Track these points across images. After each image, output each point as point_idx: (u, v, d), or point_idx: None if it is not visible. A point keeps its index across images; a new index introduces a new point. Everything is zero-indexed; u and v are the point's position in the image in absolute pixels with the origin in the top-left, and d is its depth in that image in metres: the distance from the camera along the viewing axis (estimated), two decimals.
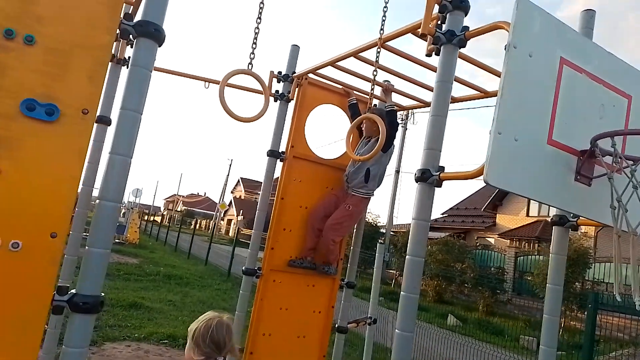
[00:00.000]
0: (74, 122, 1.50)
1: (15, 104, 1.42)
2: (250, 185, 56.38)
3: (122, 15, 1.62)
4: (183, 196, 75.55)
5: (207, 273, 14.86)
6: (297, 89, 3.77)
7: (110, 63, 3.31)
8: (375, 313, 4.46)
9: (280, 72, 3.74)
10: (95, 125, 3.24)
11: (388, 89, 3.68)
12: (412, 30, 2.43)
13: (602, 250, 17.94)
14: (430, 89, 3.32)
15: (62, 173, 1.48)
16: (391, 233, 21.15)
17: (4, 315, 1.39)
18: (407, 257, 1.95)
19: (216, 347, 2.04)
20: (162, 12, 1.68)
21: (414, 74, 3.39)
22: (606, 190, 1.80)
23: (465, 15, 2.10)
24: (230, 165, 49.19)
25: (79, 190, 3.18)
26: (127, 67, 1.94)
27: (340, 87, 3.89)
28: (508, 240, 22.81)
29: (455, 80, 2.21)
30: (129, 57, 1.75)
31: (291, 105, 3.79)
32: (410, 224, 2.00)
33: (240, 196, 57.92)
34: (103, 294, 1.57)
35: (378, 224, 23.41)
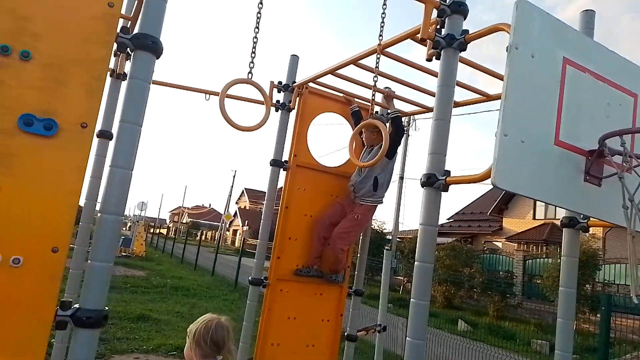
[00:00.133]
0: (73, 136, 1.48)
1: (13, 120, 1.41)
2: (254, 195, 56.42)
3: (119, 29, 1.61)
4: (188, 208, 75.79)
5: (214, 284, 14.82)
6: (297, 98, 3.76)
7: (110, 78, 3.32)
8: (385, 320, 4.41)
9: (280, 82, 3.73)
10: (97, 140, 3.27)
11: (389, 95, 3.67)
12: (412, 35, 2.42)
13: (612, 252, 17.76)
14: (431, 94, 3.31)
15: (63, 187, 1.46)
16: (397, 239, 21.05)
17: (7, 331, 1.37)
18: (415, 263, 1.92)
19: (216, 347, 2.15)
20: (159, 24, 1.67)
21: (414, 81, 3.38)
22: (617, 190, 1.76)
23: (464, 19, 2.09)
24: (234, 176, 49.37)
25: (83, 204, 3.18)
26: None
27: (341, 95, 3.88)
28: (515, 244, 22.62)
29: (456, 84, 2.19)
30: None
31: (292, 114, 3.78)
32: (416, 230, 1.97)
33: (244, 206, 57.97)
34: (107, 308, 1.55)
35: (384, 231, 23.31)
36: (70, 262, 3.28)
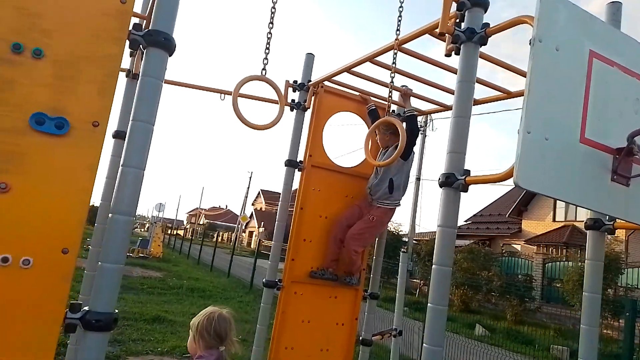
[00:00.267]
0: (84, 135, 1.46)
1: (25, 119, 1.40)
2: (270, 197, 56.57)
3: (131, 26, 1.59)
4: (205, 209, 76.42)
5: (230, 285, 14.86)
6: (313, 97, 3.72)
7: (126, 79, 3.32)
8: (401, 324, 4.33)
9: (295, 82, 3.70)
10: (113, 140, 3.28)
11: (406, 94, 3.61)
12: (430, 30, 2.36)
13: (635, 255, 17.31)
14: (450, 91, 3.23)
15: (73, 187, 1.44)
16: (414, 241, 20.86)
17: (15, 332, 1.35)
18: (433, 266, 1.85)
19: (219, 338, 2.25)
20: (171, 21, 1.64)
21: (431, 79, 3.31)
22: None
23: (485, 12, 2.02)
24: (250, 177, 49.84)
25: (98, 205, 3.19)
26: None
27: (357, 93, 3.83)
28: (535, 247, 22.20)
29: (476, 81, 2.13)
30: None
31: (308, 114, 3.74)
32: (432, 232, 1.91)
33: (261, 208, 58.18)
34: (117, 311, 1.52)
35: (400, 233, 23.14)
36: (85, 263, 3.29)
